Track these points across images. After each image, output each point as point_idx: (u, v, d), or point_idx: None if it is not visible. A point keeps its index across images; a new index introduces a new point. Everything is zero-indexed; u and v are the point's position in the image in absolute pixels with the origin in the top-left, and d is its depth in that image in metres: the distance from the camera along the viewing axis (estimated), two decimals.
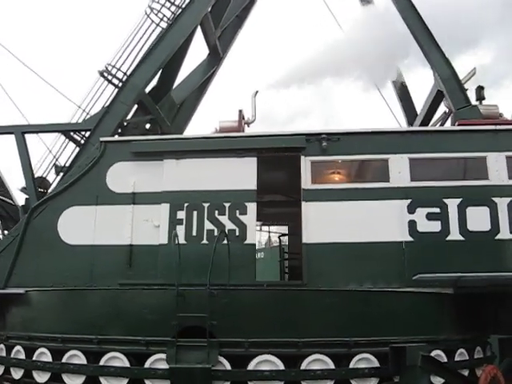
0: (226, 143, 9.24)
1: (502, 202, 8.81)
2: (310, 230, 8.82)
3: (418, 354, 7.32)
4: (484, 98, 11.04)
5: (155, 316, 7.25)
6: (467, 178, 9.00)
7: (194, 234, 8.91)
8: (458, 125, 9.78)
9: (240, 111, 11.33)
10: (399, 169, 8.99)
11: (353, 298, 7.74)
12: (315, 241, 8.77)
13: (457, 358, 8.48)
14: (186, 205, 9.03)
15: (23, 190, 11.25)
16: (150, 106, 12.01)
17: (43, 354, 7.93)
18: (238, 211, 8.95)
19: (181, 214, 9.00)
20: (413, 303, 8.13)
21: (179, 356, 6.90)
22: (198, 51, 14.38)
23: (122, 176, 9.30)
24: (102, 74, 11.93)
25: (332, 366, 7.55)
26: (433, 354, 7.93)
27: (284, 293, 7.41)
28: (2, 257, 9.18)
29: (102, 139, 9.67)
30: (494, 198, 8.82)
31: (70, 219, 9.24)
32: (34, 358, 8.02)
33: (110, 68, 11.84)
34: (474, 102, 11.03)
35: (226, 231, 8.88)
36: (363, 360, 7.76)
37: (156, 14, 12.28)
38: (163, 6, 12.28)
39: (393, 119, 14.09)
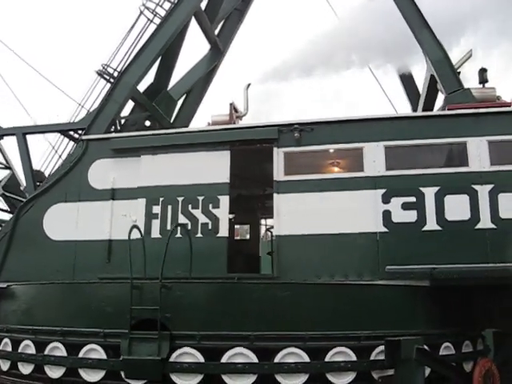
0: (199, 137, 9.29)
1: (483, 190, 8.36)
2: (281, 222, 8.74)
3: (412, 347, 7.13)
4: (487, 81, 10.50)
5: (116, 309, 7.38)
6: (446, 165, 8.60)
7: (169, 227, 9.03)
8: (448, 109, 9.36)
9: (231, 104, 11.36)
10: (374, 157, 8.72)
11: (316, 291, 7.55)
12: (287, 233, 8.68)
13: (442, 353, 8.14)
14: (161, 199, 9.18)
15: (25, 189, 11.82)
16: (145, 103, 12.26)
17: (27, 347, 8.14)
18: (211, 205, 9.00)
19: (156, 209, 9.16)
20: (384, 296, 7.83)
21: (133, 348, 7.04)
22: (200, 47, 14.56)
23: (103, 173, 9.57)
24: (99, 73, 12.30)
25: (307, 359, 7.41)
26: None
27: (235, 286, 7.37)
28: None
29: (83, 137, 9.98)
30: (474, 186, 8.38)
31: (54, 216, 9.62)
32: (19, 350, 8.24)
33: (105, 68, 12.21)
34: (476, 84, 10.58)
35: (200, 225, 8.99)
36: (340, 354, 7.57)
37: (152, 12, 12.51)
38: (158, 4, 12.48)
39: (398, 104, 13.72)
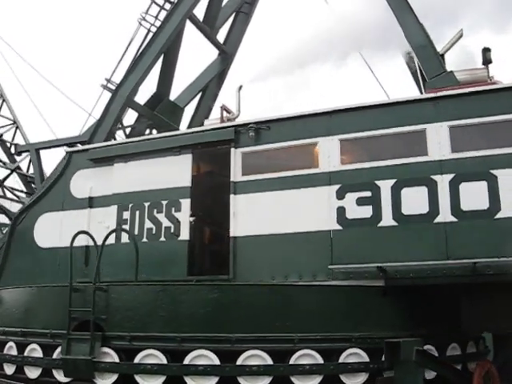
0: (164, 142, 9.47)
1: (443, 180, 7.67)
2: (237, 223, 8.64)
3: (412, 349, 6.85)
4: (491, 62, 9.64)
5: (63, 311, 7.71)
6: (403, 155, 7.99)
7: (136, 233, 9.30)
8: None
9: (221, 107, 11.48)
10: (329, 152, 8.35)
11: (243, 292, 7.36)
12: (242, 234, 8.58)
13: None
14: (130, 205, 9.46)
15: None
16: (144, 113, 12.74)
17: (11, 348, 8.53)
18: (173, 208, 9.13)
19: (126, 215, 9.47)
20: (328, 297, 7.45)
21: (71, 348, 7.32)
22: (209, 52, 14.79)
23: (82, 182, 10.08)
24: (104, 87, 12.94)
25: (270, 361, 7.26)
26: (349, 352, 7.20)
27: (165, 288, 7.38)
28: None
29: (67, 150, 10.58)
30: (433, 176, 7.72)
31: (42, 225, 10.28)
32: (4, 352, 8.63)
33: (108, 81, 12.82)
34: (480, 65, 9.78)
35: (163, 228, 9.16)
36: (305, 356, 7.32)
37: (153, 24, 12.93)
38: (156, 18, 12.87)
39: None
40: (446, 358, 7.82)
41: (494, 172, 7.44)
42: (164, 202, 9.20)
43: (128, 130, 13.25)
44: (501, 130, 7.59)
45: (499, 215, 7.32)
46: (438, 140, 7.79)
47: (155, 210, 9.25)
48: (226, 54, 14.57)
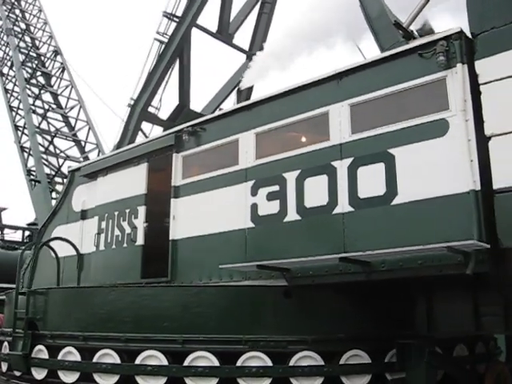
0: (127, 155, 10.03)
1: (341, 166, 6.87)
2: (176, 226, 8.78)
3: (424, 350, 6.74)
4: None
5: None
6: (308, 143, 7.35)
7: (109, 240, 10.00)
8: None
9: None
10: (246, 148, 8.05)
11: (134, 294, 7.52)
12: (180, 236, 8.69)
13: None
14: (106, 215, 10.21)
15: None
16: (163, 125, 13.55)
17: (6, 348, 9.33)
18: (133, 216, 9.61)
19: (103, 224, 10.23)
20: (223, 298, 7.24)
21: (15, 344, 8.25)
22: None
23: (79, 197, 11.13)
24: (129, 106, 14.06)
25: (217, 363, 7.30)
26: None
27: (81, 291, 7.83)
28: (27, 270, 12.23)
29: (69, 169, 11.77)
30: (333, 163, 6.96)
31: None
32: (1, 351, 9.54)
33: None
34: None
35: (126, 235, 9.71)
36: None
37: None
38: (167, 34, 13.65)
39: None
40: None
41: (392, 151, 6.46)
42: (127, 211, 9.74)
43: None
44: (396, 101, 6.56)
45: (396, 201, 6.33)
46: (339, 121, 7.01)
47: (121, 219, 9.84)
48: (253, 55, 14.64)
